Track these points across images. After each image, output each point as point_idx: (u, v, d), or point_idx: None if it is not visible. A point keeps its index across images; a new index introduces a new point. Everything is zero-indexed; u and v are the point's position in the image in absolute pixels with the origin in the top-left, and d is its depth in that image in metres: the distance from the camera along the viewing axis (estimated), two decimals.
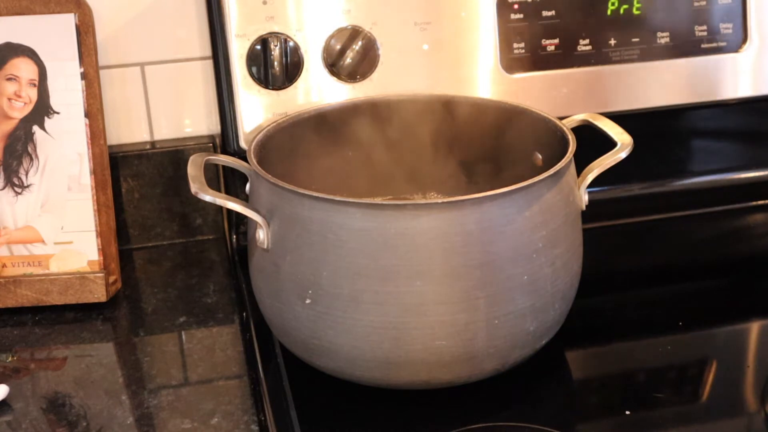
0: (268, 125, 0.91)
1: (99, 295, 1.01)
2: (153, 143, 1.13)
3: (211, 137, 1.13)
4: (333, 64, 1.00)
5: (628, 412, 0.80)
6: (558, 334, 0.85)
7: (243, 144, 1.01)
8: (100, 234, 1.02)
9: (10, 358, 0.93)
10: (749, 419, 0.80)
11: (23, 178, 1.02)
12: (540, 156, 0.92)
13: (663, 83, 1.07)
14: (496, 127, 0.94)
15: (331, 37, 1.00)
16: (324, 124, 0.96)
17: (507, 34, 1.02)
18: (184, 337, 0.97)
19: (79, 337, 0.97)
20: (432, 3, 1.01)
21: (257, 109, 1.00)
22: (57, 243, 1.02)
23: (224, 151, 1.03)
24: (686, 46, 1.06)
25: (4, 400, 0.86)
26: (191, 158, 0.85)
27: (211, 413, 0.84)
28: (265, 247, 0.81)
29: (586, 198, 0.85)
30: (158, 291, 1.05)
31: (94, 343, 0.96)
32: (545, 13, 1.03)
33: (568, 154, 0.82)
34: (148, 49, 1.10)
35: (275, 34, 0.98)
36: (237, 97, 0.99)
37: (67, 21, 1.01)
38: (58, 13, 1.01)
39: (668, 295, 0.99)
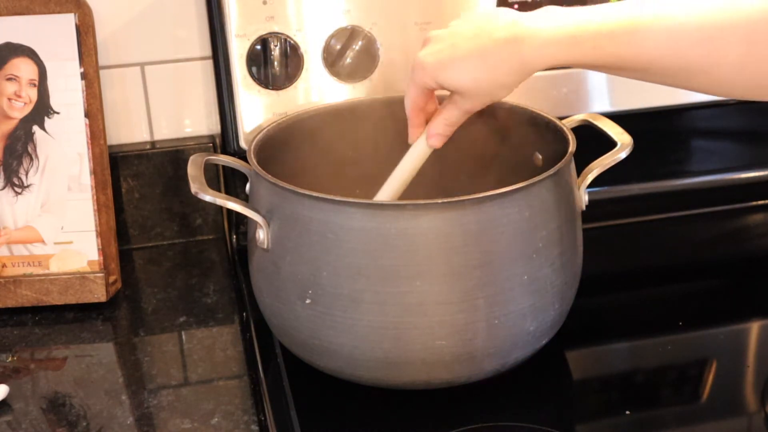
0: (268, 125, 0.91)
1: (99, 295, 1.01)
2: (153, 143, 1.13)
3: (211, 137, 1.13)
4: (333, 64, 1.00)
5: (628, 412, 0.80)
6: (558, 334, 0.85)
7: (243, 144, 1.01)
8: (100, 234, 1.02)
9: (10, 358, 0.93)
10: (749, 419, 0.80)
11: (23, 178, 1.02)
12: (540, 156, 0.91)
13: None
14: (496, 127, 0.94)
15: (331, 37, 1.00)
16: (324, 124, 0.96)
17: None
18: (184, 337, 0.97)
19: (79, 337, 0.97)
20: (432, 3, 1.01)
21: (257, 109, 1.00)
22: (57, 243, 1.02)
23: (224, 151, 1.03)
24: None
25: (4, 400, 0.86)
26: (191, 158, 0.85)
27: (211, 413, 0.84)
28: (265, 247, 0.81)
29: (586, 198, 0.85)
30: (158, 291, 1.05)
31: (94, 343, 0.96)
32: None
33: (568, 154, 0.82)
34: (148, 49, 1.10)
35: (275, 34, 0.98)
36: (237, 97, 0.99)
37: (67, 21, 1.01)
38: (58, 13, 1.01)
39: (668, 295, 0.99)
